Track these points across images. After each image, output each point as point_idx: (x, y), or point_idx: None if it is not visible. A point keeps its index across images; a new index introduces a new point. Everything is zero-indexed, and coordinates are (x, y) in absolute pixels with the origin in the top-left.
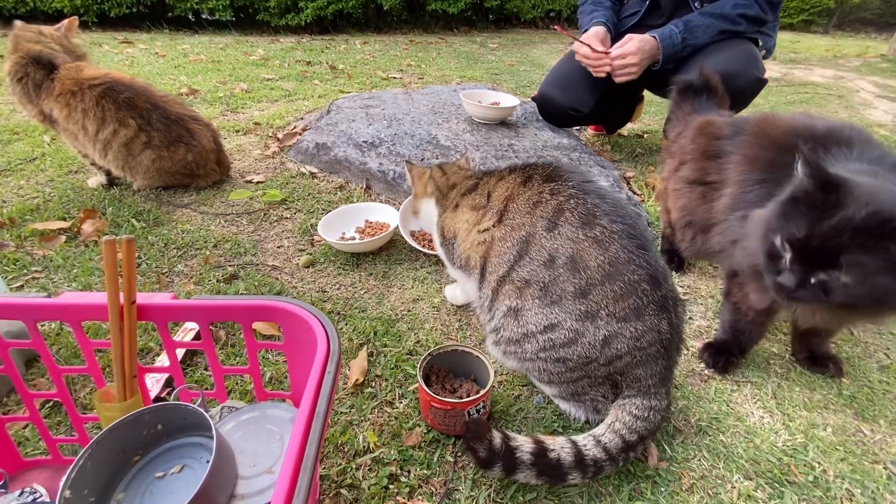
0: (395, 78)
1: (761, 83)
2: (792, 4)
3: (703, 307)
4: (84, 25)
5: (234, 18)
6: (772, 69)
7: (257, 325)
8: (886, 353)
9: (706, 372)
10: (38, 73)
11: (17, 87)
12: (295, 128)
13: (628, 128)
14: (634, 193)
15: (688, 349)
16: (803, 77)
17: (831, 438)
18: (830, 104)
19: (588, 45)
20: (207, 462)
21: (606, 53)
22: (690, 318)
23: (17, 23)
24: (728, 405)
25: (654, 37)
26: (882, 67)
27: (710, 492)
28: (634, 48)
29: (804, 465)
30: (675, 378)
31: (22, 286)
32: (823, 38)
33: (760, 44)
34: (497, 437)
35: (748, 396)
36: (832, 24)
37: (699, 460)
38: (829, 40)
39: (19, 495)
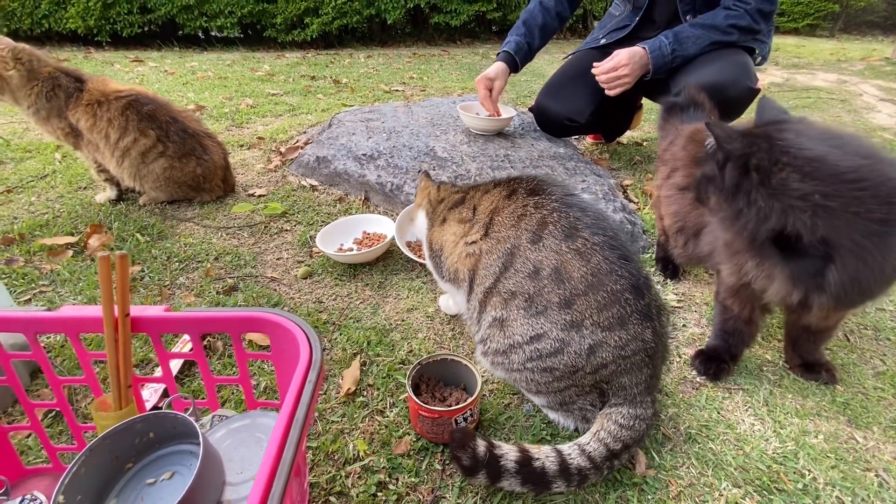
0: (397, 91)
1: (753, 93)
2: (797, 9)
3: (696, 314)
4: (97, 45)
5: (241, 35)
6: (774, 74)
7: (254, 336)
8: (882, 359)
9: (698, 379)
10: (71, 84)
11: (47, 103)
12: (297, 142)
13: (627, 136)
14: (630, 201)
15: (680, 356)
16: (806, 82)
17: (823, 446)
18: (833, 109)
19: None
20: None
21: (493, 111)
22: (684, 325)
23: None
24: (719, 412)
25: (644, 48)
26: (886, 71)
27: (697, 499)
28: (626, 59)
29: (794, 473)
30: (665, 386)
31: (30, 300)
32: (828, 41)
33: (756, 51)
34: (481, 446)
35: (739, 403)
36: (837, 27)
37: (687, 468)
38: (835, 44)
39: (20, 502)
